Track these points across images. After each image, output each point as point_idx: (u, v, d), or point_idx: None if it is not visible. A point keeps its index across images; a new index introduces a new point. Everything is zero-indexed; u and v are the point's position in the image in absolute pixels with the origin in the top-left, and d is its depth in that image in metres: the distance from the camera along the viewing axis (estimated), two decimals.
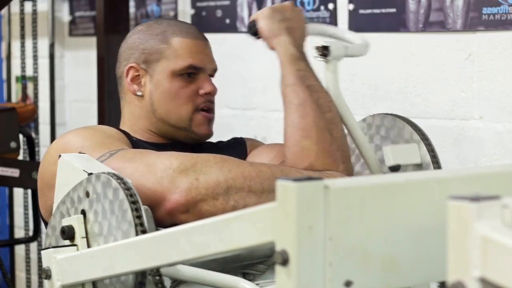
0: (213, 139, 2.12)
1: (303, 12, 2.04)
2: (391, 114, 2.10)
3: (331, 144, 1.86)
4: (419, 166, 2.02)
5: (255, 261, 1.85)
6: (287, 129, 1.88)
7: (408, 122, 2.06)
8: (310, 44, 1.98)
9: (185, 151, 1.83)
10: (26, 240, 3.56)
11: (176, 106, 2.01)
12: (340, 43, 1.98)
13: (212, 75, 2.08)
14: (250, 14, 2.94)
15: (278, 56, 1.94)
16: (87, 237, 1.62)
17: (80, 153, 1.77)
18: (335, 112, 1.92)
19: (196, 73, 2.03)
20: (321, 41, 1.95)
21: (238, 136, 2.21)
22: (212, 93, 2.04)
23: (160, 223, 1.70)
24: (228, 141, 2.15)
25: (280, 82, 1.93)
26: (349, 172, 1.90)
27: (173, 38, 2.03)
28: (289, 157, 1.86)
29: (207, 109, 2.04)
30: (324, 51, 1.94)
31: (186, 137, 2.04)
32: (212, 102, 2.05)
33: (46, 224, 1.84)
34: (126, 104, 2.08)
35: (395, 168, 1.99)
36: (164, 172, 1.71)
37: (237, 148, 2.10)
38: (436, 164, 2.02)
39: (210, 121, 2.05)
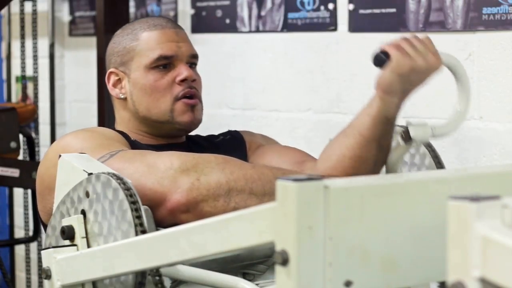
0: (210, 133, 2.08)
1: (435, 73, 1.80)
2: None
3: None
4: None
5: (255, 261, 1.85)
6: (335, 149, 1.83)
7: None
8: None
9: (183, 151, 1.82)
10: (26, 240, 3.56)
11: (154, 101, 1.99)
12: (425, 127, 1.80)
13: (191, 63, 2.04)
14: (250, 14, 2.94)
15: (373, 106, 1.80)
16: (87, 237, 1.62)
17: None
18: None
19: (171, 63, 2.01)
20: (408, 123, 1.79)
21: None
22: (189, 78, 1.99)
23: (161, 223, 1.70)
24: (224, 136, 2.12)
25: (356, 126, 1.81)
26: None
27: (142, 34, 2.03)
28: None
29: (189, 95, 2.00)
30: (407, 136, 1.78)
31: (172, 130, 2.01)
32: (194, 88, 2.01)
33: (45, 227, 1.84)
34: (115, 110, 2.08)
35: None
36: (165, 172, 1.71)
37: (236, 145, 2.09)
38: (437, 161, 2.03)
39: (193, 107, 2.00)
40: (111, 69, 2.05)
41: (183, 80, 1.99)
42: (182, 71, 1.99)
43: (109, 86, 2.05)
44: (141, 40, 2.02)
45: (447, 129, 1.84)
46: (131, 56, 2.02)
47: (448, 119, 1.86)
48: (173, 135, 2.03)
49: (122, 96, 2.03)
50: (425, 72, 1.75)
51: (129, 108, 2.03)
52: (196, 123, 2.02)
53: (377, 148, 1.79)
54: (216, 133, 2.14)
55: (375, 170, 1.82)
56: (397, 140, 1.83)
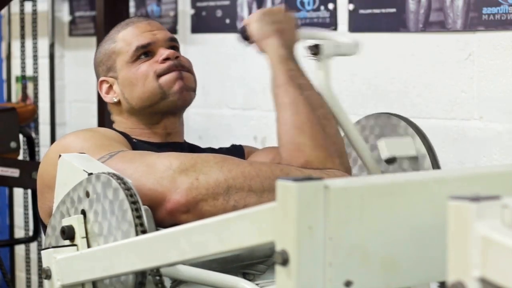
0: (215, 145, 2.10)
1: (294, 15, 2.03)
2: (385, 113, 2.10)
3: (325, 139, 1.86)
4: (414, 159, 2.02)
5: (255, 261, 1.85)
6: (280, 128, 1.88)
7: (402, 118, 2.07)
8: (302, 45, 1.98)
9: (183, 151, 1.83)
10: (26, 240, 3.56)
11: (142, 87, 2.00)
12: (331, 42, 1.98)
13: (172, 46, 2.05)
14: (250, 14, 2.95)
15: (268, 57, 1.94)
16: (87, 237, 1.62)
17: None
18: (327, 108, 1.93)
19: (150, 51, 2.03)
20: (312, 41, 1.96)
21: (239, 135, 2.21)
22: (170, 56, 2.00)
23: (161, 223, 1.70)
24: (227, 147, 2.14)
25: (271, 83, 1.92)
26: (345, 166, 1.89)
27: (117, 35, 2.06)
28: (285, 156, 1.86)
29: (175, 67, 2.01)
30: (315, 49, 1.94)
31: (169, 105, 2.00)
32: (179, 64, 2.01)
33: (44, 226, 1.84)
34: (113, 116, 2.10)
35: (391, 161, 2.00)
36: (164, 172, 1.71)
37: (235, 152, 2.09)
38: (432, 155, 2.02)
39: (181, 74, 2.01)
40: (101, 78, 2.08)
41: (165, 59, 2.00)
42: (163, 51, 2.02)
43: (103, 95, 2.08)
44: (118, 40, 2.05)
45: (350, 49, 2.00)
46: (114, 59, 2.05)
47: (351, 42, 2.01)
48: (173, 111, 2.02)
49: (116, 99, 2.05)
50: (276, 12, 1.97)
51: (124, 108, 2.04)
52: (188, 89, 2.02)
53: (298, 90, 1.89)
54: (220, 137, 2.17)
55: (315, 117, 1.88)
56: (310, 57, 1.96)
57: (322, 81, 1.96)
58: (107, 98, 2.07)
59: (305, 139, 1.84)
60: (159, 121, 2.03)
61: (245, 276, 1.83)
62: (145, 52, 2.02)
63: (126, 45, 2.03)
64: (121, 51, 2.04)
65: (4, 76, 3.90)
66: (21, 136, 3.28)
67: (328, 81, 1.95)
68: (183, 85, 2.00)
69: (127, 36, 2.05)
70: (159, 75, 2.00)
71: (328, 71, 1.95)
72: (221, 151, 2.10)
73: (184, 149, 1.99)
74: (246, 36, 1.97)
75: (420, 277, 1.26)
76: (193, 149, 2.07)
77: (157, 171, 1.71)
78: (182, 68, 2.02)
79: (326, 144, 1.85)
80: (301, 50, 1.96)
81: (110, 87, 2.06)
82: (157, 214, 1.69)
